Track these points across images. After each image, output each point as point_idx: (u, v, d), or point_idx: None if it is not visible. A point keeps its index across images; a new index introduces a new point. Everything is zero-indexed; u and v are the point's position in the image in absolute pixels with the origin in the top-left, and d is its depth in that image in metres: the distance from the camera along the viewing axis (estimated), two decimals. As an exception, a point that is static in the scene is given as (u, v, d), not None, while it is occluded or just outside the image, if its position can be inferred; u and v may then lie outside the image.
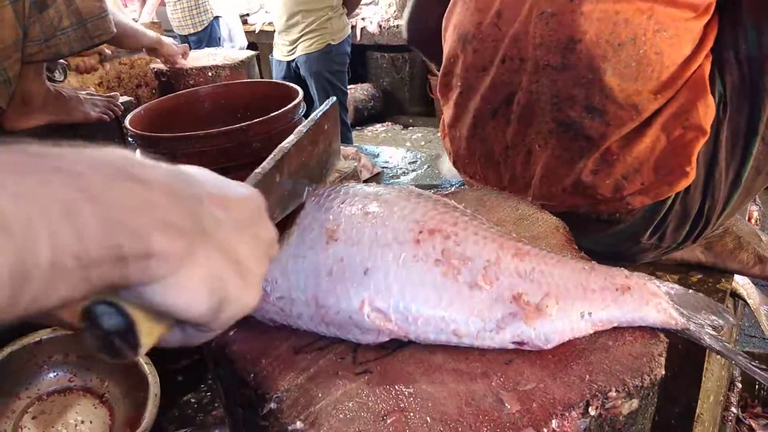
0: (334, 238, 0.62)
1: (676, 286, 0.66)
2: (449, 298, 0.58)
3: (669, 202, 0.92)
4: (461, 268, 0.60)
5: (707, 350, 0.97)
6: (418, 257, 0.60)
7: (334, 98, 0.78)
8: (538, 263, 0.61)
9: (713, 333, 0.63)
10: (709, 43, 0.87)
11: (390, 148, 2.56)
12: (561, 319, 0.58)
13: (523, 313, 0.58)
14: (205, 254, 0.40)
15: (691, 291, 0.66)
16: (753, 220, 1.66)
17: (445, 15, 1.10)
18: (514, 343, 0.58)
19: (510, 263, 0.61)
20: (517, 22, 0.93)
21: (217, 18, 3.79)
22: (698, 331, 0.63)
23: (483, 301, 0.58)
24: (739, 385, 1.58)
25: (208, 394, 1.10)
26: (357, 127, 4.88)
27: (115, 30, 1.57)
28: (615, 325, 0.60)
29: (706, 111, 0.86)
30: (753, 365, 0.61)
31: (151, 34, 2.05)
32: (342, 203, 0.67)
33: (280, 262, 0.63)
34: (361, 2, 3.86)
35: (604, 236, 0.93)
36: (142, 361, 0.99)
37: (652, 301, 0.61)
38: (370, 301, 0.58)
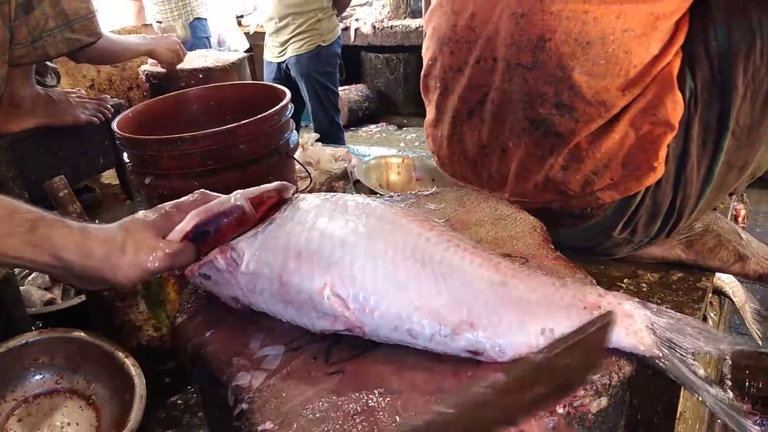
0: (310, 227, 0.64)
1: (669, 311, 0.62)
2: (410, 297, 0.59)
3: (639, 196, 0.93)
4: (428, 269, 0.60)
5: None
6: (387, 252, 0.61)
7: None
8: (505, 275, 0.61)
9: (691, 365, 0.59)
10: (680, 41, 0.88)
11: (383, 148, 2.56)
12: (519, 333, 0.57)
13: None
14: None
15: (685, 317, 0.62)
16: (740, 218, 1.67)
17: (426, 18, 1.11)
18: (468, 352, 0.57)
19: (476, 271, 0.60)
20: (490, 23, 0.94)
21: (200, 19, 3.77)
22: (671, 361, 0.59)
23: (442, 305, 0.58)
24: (729, 383, 1.59)
25: (195, 395, 1.10)
26: (351, 128, 4.88)
27: (102, 33, 1.57)
28: None
29: (675, 107, 0.87)
30: (722, 405, 0.57)
31: (141, 43, 2.01)
32: (325, 201, 0.69)
33: (254, 239, 0.66)
34: (352, 3, 3.86)
35: (577, 231, 0.94)
36: (129, 362, 1.00)
37: (622, 322, 0.59)
38: (332, 286, 0.60)
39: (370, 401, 0.54)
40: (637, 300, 0.62)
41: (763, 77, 0.85)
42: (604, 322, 0.58)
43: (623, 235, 0.98)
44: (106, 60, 1.94)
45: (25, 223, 0.64)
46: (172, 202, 0.71)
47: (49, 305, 1.33)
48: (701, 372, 0.59)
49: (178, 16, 3.64)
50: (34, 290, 1.37)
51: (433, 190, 0.92)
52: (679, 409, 1.02)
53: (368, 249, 0.61)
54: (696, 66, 0.88)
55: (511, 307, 0.58)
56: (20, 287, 1.26)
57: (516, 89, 0.93)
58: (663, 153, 0.89)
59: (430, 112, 1.13)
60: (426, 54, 1.11)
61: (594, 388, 0.55)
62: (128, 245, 0.64)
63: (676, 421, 1.02)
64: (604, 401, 0.56)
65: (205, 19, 3.86)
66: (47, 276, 1.43)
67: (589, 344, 0.57)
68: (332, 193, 0.73)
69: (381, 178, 1.82)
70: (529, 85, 0.91)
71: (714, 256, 1.02)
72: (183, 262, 0.67)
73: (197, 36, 3.67)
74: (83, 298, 1.26)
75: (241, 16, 5.41)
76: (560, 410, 0.53)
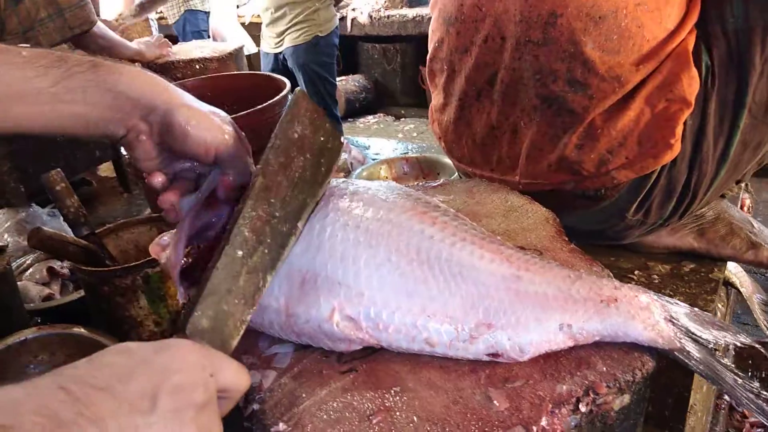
0: (307, 245, 0.59)
1: (681, 303, 0.61)
2: (422, 304, 0.56)
3: (654, 176, 0.91)
4: (436, 271, 0.57)
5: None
6: (390, 259, 0.57)
7: (298, 90, 0.64)
8: (519, 268, 0.58)
9: (716, 356, 0.58)
10: (694, 17, 0.87)
11: (381, 139, 2.54)
12: (537, 330, 0.55)
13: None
14: None
15: (698, 311, 0.61)
16: (746, 208, 1.66)
17: (432, 2, 1.09)
18: (488, 354, 0.55)
19: (488, 267, 0.58)
20: (497, 1, 0.93)
21: (192, 11, 3.71)
22: (693, 353, 0.57)
23: (457, 308, 0.56)
24: (733, 373, 1.58)
25: (198, 391, 1.08)
26: (349, 119, 4.84)
27: (96, 19, 1.54)
28: (597, 339, 0.56)
29: (691, 83, 0.86)
30: (749, 396, 0.56)
31: (132, 47, 2.01)
32: (323, 206, 0.63)
33: None
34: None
35: (590, 213, 0.92)
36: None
37: (639, 316, 0.57)
38: (341, 309, 0.56)
39: (386, 401, 0.52)
40: (653, 292, 0.60)
41: None
42: (296, 95, 0.60)
43: (637, 216, 0.96)
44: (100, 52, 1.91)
45: (85, 62, 0.58)
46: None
47: (47, 301, 1.30)
48: (726, 362, 0.57)
49: (170, 7, 3.59)
50: (31, 286, 1.35)
51: (441, 180, 0.90)
52: (690, 401, 1.01)
53: (371, 258, 0.58)
54: (712, 42, 0.87)
55: (527, 303, 0.56)
56: (18, 282, 1.24)
57: (527, 67, 0.91)
58: (680, 130, 0.87)
59: (437, 97, 1.11)
60: (432, 38, 1.09)
61: (617, 385, 0.53)
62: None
63: (687, 413, 1.01)
64: (626, 398, 0.54)
65: (205, 12, 3.80)
66: (44, 271, 1.40)
67: (300, 114, 0.59)
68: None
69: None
70: (540, 62, 0.90)
71: (726, 245, 1.01)
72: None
73: (188, 31, 3.62)
74: (82, 293, 1.24)
75: (237, 7, 5.36)
76: (583, 409, 0.52)
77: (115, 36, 1.89)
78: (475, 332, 0.55)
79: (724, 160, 0.90)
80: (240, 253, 0.52)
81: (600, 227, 0.98)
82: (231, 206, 0.62)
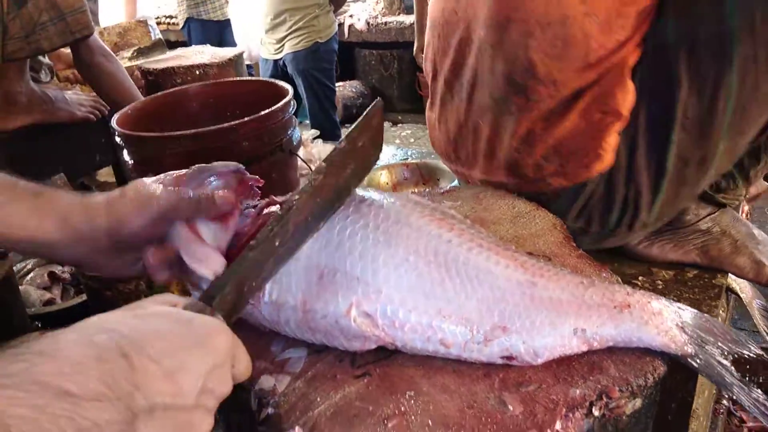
0: (326, 242, 0.60)
1: (691, 309, 0.62)
2: (438, 305, 0.57)
3: (591, 185, 0.93)
4: (453, 273, 0.58)
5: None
6: (409, 259, 0.58)
7: (379, 102, 0.68)
8: (533, 274, 0.59)
9: (725, 364, 0.59)
10: (643, 31, 0.87)
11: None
12: (552, 335, 0.56)
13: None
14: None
15: (708, 317, 0.62)
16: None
17: (428, 8, 1.13)
18: (502, 357, 0.56)
19: (504, 272, 0.59)
20: (469, 5, 0.96)
21: (198, 21, 3.67)
22: (704, 359, 0.58)
23: (473, 310, 0.56)
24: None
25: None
26: (346, 124, 4.85)
27: (94, 28, 1.55)
28: (611, 344, 0.57)
29: (625, 97, 0.87)
30: (759, 404, 0.58)
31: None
32: (343, 208, 0.64)
33: None
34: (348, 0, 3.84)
35: None
36: None
37: (652, 321, 0.58)
38: (358, 305, 0.57)
39: (401, 405, 0.52)
40: (665, 298, 0.61)
41: (708, 71, 0.83)
42: (377, 107, 0.65)
43: (579, 224, 0.97)
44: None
45: (29, 190, 0.60)
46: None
47: (48, 305, 1.30)
48: (735, 371, 0.58)
49: (177, 14, 3.57)
50: (32, 290, 1.35)
51: (449, 186, 0.90)
52: (693, 406, 1.02)
53: (389, 258, 0.59)
54: (643, 56, 0.87)
55: (542, 308, 0.57)
56: (19, 287, 1.24)
57: (485, 69, 0.94)
58: (611, 141, 0.89)
59: (427, 98, 1.16)
60: (425, 42, 1.14)
61: (630, 389, 0.54)
62: (128, 189, 0.61)
63: (690, 418, 1.01)
64: (638, 402, 0.55)
65: (216, 21, 3.74)
66: (45, 275, 1.40)
67: (371, 127, 0.64)
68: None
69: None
70: (493, 63, 0.92)
71: (730, 263, 1.01)
72: (186, 204, 0.60)
73: (194, 39, 3.59)
74: (84, 297, 1.24)
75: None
76: (596, 413, 0.52)
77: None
78: (491, 335, 0.55)
79: (661, 173, 0.90)
80: (277, 242, 0.55)
81: None
82: (257, 211, 0.66)
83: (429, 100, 1.17)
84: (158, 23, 3.85)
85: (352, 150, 0.63)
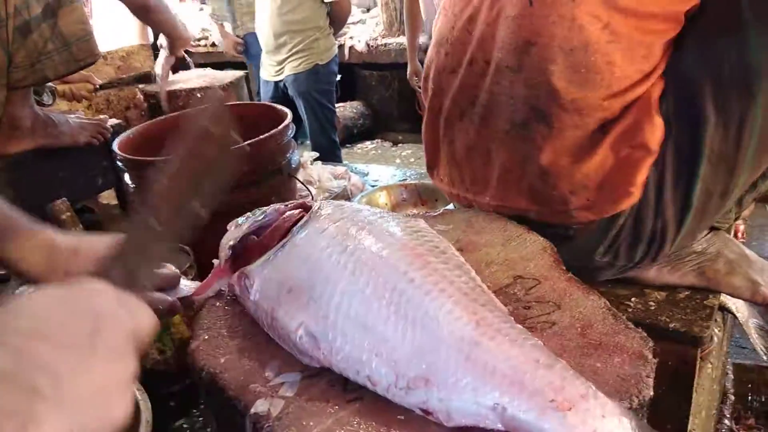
0: (304, 259, 0.65)
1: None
2: (374, 342, 0.56)
3: (622, 219, 0.93)
4: (400, 314, 0.57)
5: (697, 366, 0.97)
6: (365, 291, 0.59)
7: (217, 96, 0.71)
8: (482, 334, 0.54)
9: None
10: (663, 64, 0.88)
11: (380, 166, 2.57)
12: (470, 402, 0.51)
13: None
14: (52, 418, 0.37)
15: None
16: (740, 234, 1.68)
17: (432, 26, 1.14)
18: (420, 410, 0.54)
19: (451, 324, 0.55)
20: (485, 24, 0.96)
21: (251, 33, 3.65)
22: None
23: (404, 355, 0.55)
24: (732, 398, 1.58)
25: (201, 419, 1.08)
26: (347, 145, 4.89)
27: (100, 53, 1.57)
28: None
29: (653, 131, 0.87)
30: None
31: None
32: (332, 223, 0.68)
33: (263, 268, 0.68)
34: (348, 22, 3.88)
35: (560, 250, 0.93)
36: (134, 386, 0.98)
37: None
38: (306, 325, 0.60)
39: (391, 429, 0.54)
40: (636, 420, 0.49)
41: (733, 106, 0.84)
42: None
43: (606, 259, 0.98)
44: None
45: None
46: None
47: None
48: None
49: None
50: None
51: (441, 210, 0.92)
52: (689, 427, 1.02)
53: (348, 285, 0.60)
54: (667, 90, 0.88)
55: (473, 371, 0.52)
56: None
57: (503, 92, 0.94)
58: (641, 177, 0.89)
59: (425, 115, 1.16)
60: (426, 60, 1.14)
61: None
62: None
63: (686, 439, 1.02)
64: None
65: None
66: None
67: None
68: (348, 206, 0.73)
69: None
70: (513, 88, 0.92)
71: (726, 283, 1.02)
72: None
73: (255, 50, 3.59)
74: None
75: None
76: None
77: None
78: (413, 384, 0.54)
79: (687, 207, 0.91)
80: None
81: (575, 264, 0.99)
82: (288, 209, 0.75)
83: (426, 118, 1.16)
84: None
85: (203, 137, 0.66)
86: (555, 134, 0.89)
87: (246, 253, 0.74)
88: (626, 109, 0.88)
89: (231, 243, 0.74)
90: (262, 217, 0.76)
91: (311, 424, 0.55)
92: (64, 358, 0.40)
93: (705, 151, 0.86)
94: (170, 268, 0.77)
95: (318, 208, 0.72)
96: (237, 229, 0.76)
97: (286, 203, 0.78)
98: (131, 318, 0.48)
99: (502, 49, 0.93)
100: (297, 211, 0.76)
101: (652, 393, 0.58)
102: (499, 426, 0.51)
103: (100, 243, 0.76)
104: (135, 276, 0.54)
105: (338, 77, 3.25)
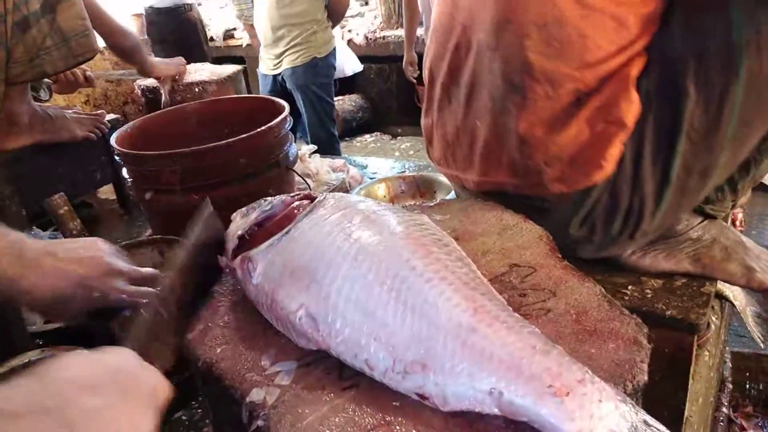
0: (307, 243, 0.66)
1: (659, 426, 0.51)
2: (373, 326, 0.57)
3: (595, 193, 0.93)
4: (401, 300, 0.57)
5: (693, 353, 0.98)
6: (367, 276, 0.59)
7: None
8: (480, 321, 0.54)
9: None
10: (644, 41, 0.88)
11: (378, 158, 2.57)
12: (466, 386, 0.52)
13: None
14: None
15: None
16: (737, 222, 1.68)
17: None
18: (417, 394, 0.54)
19: (450, 310, 0.55)
20: (467, 9, 0.98)
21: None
22: None
23: (402, 340, 0.55)
24: (730, 386, 1.59)
25: (199, 411, 1.09)
26: (346, 138, 4.89)
27: (99, 48, 1.57)
28: (524, 420, 0.50)
29: (629, 107, 0.88)
30: None
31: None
32: (337, 210, 0.69)
33: (266, 252, 0.68)
34: (346, 15, 3.87)
35: (537, 224, 0.94)
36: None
37: (581, 422, 0.47)
38: (307, 307, 0.61)
39: (386, 416, 0.54)
40: (633, 406, 0.50)
41: (715, 83, 0.84)
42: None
43: (582, 233, 0.99)
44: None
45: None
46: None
47: (50, 323, 1.31)
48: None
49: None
50: (34, 308, 1.36)
51: (438, 200, 0.92)
52: (686, 413, 1.03)
53: (350, 270, 0.60)
54: (650, 67, 0.89)
55: (469, 356, 0.52)
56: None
57: (484, 70, 0.96)
58: (614, 151, 0.90)
59: (424, 102, 1.18)
60: (425, 49, 1.16)
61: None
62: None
63: (683, 425, 1.02)
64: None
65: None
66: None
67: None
68: (353, 197, 0.74)
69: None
70: (492, 65, 0.94)
71: (722, 270, 1.02)
72: None
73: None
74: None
75: (234, 29, 5.43)
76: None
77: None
78: (410, 368, 0.54)
79: (666, 183, 0.91)
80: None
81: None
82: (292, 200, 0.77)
83: (424, 108, 1.18)
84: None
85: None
86: (528, 105, 0.91)
87: (250, 242, 0.74)
88: (602, 83, 0.89)
89: (239, 233, 0.75)
90: (269, 207, 0.77)
91: (307, 411, 0.55)
92: (96, 403, 0.47)
93: (684, 127, 0.87)
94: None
95: (324, 198, 0.73)
96: (244, 219, 0.77)
97: (293, 194, 0.79)
98: (152, 380, 0.56)
99: (483, 31, 0.95)
100: (304, 201, 0.77)
101: (646, 378, 0.58)
102: (495, 410, 0.51)
103: (72, 245, 0.83)
104: (148, 353, 0.61)
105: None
